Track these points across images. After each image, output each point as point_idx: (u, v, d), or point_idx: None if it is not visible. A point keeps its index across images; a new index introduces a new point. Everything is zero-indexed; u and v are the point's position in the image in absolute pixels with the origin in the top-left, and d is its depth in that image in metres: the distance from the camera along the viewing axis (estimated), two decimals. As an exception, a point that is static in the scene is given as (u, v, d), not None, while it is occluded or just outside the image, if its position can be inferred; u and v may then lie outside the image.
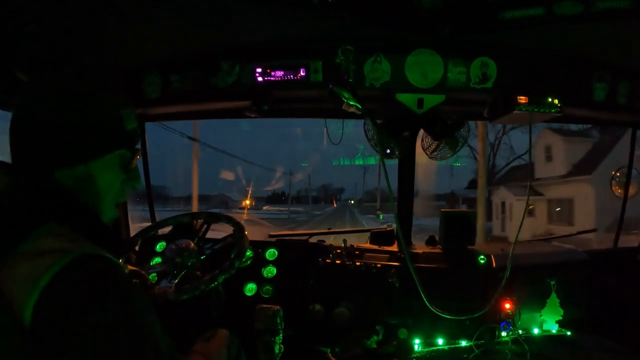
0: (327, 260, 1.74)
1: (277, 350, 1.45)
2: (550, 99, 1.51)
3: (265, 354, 1.44)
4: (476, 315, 1.54)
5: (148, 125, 2.07)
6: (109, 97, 0.75)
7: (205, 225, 1.52)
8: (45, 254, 0.57)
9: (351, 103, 1.41)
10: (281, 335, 1.47)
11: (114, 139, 0.75)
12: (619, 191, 2.21)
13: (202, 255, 1.37)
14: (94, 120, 0.72)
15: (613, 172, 2.28)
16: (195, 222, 1.65)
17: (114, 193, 0.79)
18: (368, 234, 2.13)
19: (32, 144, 0.70)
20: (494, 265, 1.66)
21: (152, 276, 1.45)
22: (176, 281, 1.28)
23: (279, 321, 1.47)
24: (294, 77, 1.60)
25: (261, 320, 1.46)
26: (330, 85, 1.41)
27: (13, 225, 0.61)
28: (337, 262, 1.73)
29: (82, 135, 0.70)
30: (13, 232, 0.59)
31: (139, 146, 0.83)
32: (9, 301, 0.55)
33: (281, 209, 40.70)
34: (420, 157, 1.86)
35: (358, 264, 1.71)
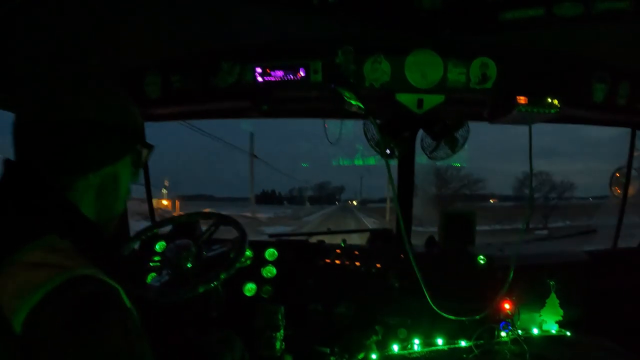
0: (327, 261, 1.74)
1: (278, 346, 1.45)
2: (549, 100, 1.51)
3: (266, 349, 1.44)
4: (478, 317, 1.54)
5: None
6: (122, 96, 0.77)
7: (213, 228, 1.51)
8: (41, 268, 0.55)
9: (353, 103, 1.41)
10: (282, 331, 1.47)
11: (133, 136, 0.78)
12: (618, 192, 2.21)
13: (200, 258, 1.37)
14: (117, 120, 0.74)
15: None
16: (198, 223, 1.65)
17: (127, 188, 0.82)
18: (368, 233, 2.14)
19: (55, 149, 0.68)
20: (494, 266, 1.67)
21: (152, 275, 1.46)
22: (165, 282, 1.29)
23: (280, 318, 1.47)
24: (293, 77, 1.60)
25: (263, 316, 1.46)
26: (333, 85, 1.42)
27: (12, 232, 0.59)
28: (337, 262, 1.73)
29: (109, 136, 0.73)
30: (11, 240, 0.58)
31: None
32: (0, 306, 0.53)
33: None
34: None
35: (357, 264, 1.71)
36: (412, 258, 1.50)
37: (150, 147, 0.84)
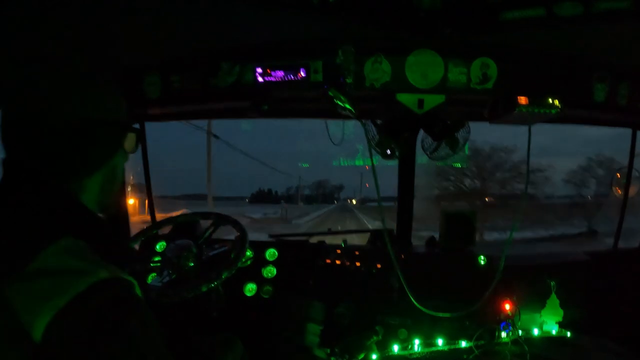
0: (327, 261, 1.74)
1: (315, 340, 1.46)
2: (550, 100, 1.51)
3: (305, 341, 1.44)
4: (469, 311, 1.54)
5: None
6: (114, 89, 0.77)
7: (212, 228, 1.51)
8: (61, 274, 0.55)
9: (346, 106, 1.42)
10: (322, 326, 1.49)
11: (125, 126, 0.80)
12: (619, 192, 2.21)
13: (200, 258, 1.37)
14: (114, 115, 0.75)
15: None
16: (199, 222, 1.65)
17: (122, 174, 0.85)
18: (368, 234, 2.14)
19: (60, 154, 0.68)
20: (495, 266, 1.66)
21: (152, 275, 1.46)
22: (167, 282, 1.29)
23: (321, 313, 1.50)
24: (294, 77, 1.60)
25: (307, 309, 1.49)
26: (326, 87, 1.42)
27: (27, 237, 0.58)
28: (337, 262, 1.73)
29: (109, 132, 0.74)
30: (27, 247, 0.57)
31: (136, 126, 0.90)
32: (17, 314, 0.53)
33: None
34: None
35: (358, 264, 1.71)
36: (395, 260, 1.52)
37: (138, 133, 0.87)
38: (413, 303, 1.55)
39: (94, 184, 0.75)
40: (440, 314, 1.54)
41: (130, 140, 0.82)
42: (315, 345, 1.44)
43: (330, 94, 1.39)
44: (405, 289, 1.53)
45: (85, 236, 0.63)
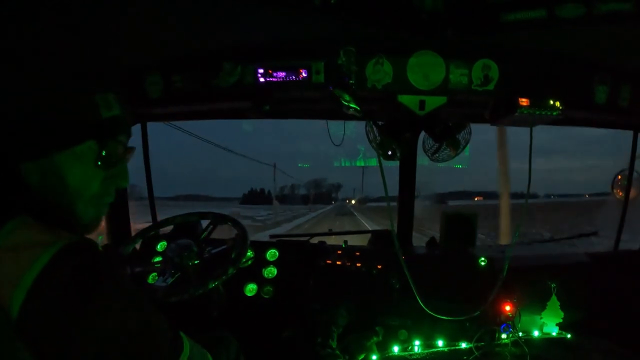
0: (328, 261, 1.74)
1: (335, 344, 1.47)
2: (551, 101, 1.51)
3: (326, 344, 1.46)
4: (473, 315, 1.54)
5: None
6: (77, 81, 0.68)
7: (211, 227, 1.52)
8: (24, 249, 0.54)
9: (351, 106, 1.42)
10: (341, 329, 1.52)
11: (82, 128, 0.66)
12: (620, 194, 2.21)
13: (202, 257, 1.38)
14: (57, 106, 0.64)
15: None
16: (198, 222, 1.65)
17: (93, 191, 0.70)
18: (369, 235, 2.14)
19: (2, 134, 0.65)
20: (495, 267, 1.67)
21: (153, 275, 1.46)
22: (172, 281, 1.29)
23: (343, 316, 1.54)
24: (295, 78, 1.60)
25: (327, 313, 1.53)
26: (331, 88, 1.42)
27: None
28: (338, 263, 1.73)
29: (43, 124, 0.63)
30: None
31: (121, 138, 0.72)
32: None
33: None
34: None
35: (358, 265, 1.71)
36: (402, 261, 1.52)
37: (113, 143, 0.70)
38: (414, 304, 1.55)
39: (33, 175, 0.65)
40: (444, 317, 1.54)
41: (85, 148, 0.67)
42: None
43: (336, 93, 1.40)
44: (414, 290, 1.52)
45: (41, 219, 0.61)
